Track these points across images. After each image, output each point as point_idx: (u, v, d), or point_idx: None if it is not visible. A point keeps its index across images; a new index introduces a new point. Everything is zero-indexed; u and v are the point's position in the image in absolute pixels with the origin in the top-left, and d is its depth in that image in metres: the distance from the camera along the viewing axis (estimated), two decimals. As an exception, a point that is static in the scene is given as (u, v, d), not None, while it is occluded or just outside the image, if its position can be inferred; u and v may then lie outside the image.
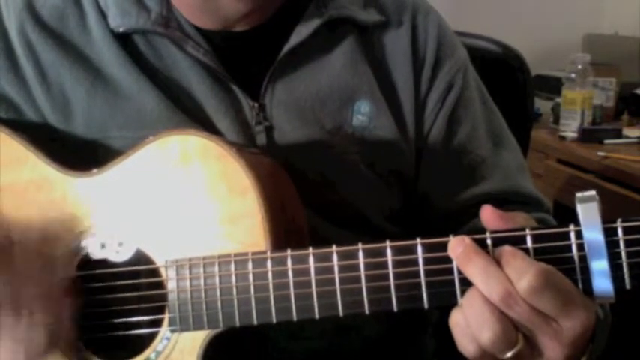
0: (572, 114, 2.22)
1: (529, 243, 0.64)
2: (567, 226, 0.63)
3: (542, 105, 2.46)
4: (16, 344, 0.71)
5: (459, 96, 0.94)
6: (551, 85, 2.44)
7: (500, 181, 0.94)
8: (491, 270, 0.63)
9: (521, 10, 2.80)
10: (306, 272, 0.69)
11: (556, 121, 2.32)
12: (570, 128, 2.22)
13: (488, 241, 0.64)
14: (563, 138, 2.24)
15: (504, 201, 0.91)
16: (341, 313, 0.68)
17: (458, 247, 0.64)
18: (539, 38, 2.67)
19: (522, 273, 0.61)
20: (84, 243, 0.78)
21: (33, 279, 0.74)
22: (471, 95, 0.96)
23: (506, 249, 0.64)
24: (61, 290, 0.76)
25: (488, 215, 0.67)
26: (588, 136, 2.18)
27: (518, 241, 0.64)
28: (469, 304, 0.63)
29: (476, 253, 0.63)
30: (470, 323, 0.63)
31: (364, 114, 0.90)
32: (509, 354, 0.63)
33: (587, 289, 0.63)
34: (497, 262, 0.63)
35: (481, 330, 0.62)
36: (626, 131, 2.22)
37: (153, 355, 0.75)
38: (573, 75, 2.22)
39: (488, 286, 0.62)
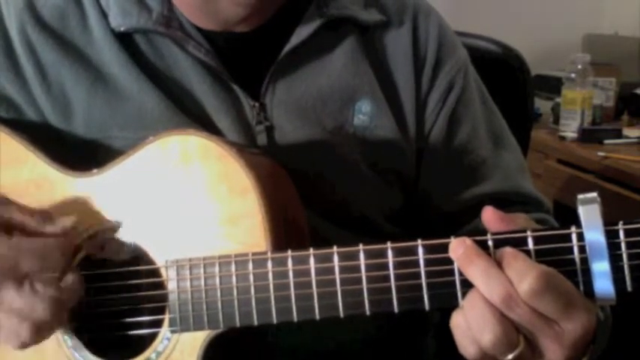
0: (572, 114, 2.22)
1: (530, 245, 0.63)
2: (569, 228, 0.63)
3: (542, 105, 2.46)
4: (19, 318, 0.70)
5: (459, 96, 0.94)
6: (551, 85, 2.44)
7: (500, 181, 0.94)
8: (492, 272, 0.62)
9: (521, 10, 2.80)
10: (307, 273, 0.69)
11: (556, 121, 2.32)
12: (570, 128, 2.22)
13: (490, 243, 0.64)
14: (563, 138, 2.24)
15: (505, 201, 0.91)
16: (341, 314, 0.68)
17: (459, 248, 0.64)
18: (539, 38, 2.67)
19: (523, 275, 0.61)
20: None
21: (32, 250, 0.72)
22: (472, 95, 0.96)
23: (508, 251, 0.63)
24: (61, 262, 0.74)
25: (490, 216, 0.67)
26: (588, 136, 2.18)
27: (519, 243, 0.64)
28: (470, 306, 0.63)
29: (477, 255, 0.63)
30: (471, 325, 0.63)
31: (365, 114, 0.90)
32: (510, 356, 0.62)
33: (589, 291, 0.63)
34: (499, 264, 0.63)
35: (482, 332, 0.62)
36: (626, 131, 2.22)
37: (153, 356, 0.75)
38: (573, 75, 2.22)
39: (489, 287, 0.62)
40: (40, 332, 0.71)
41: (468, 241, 0.64)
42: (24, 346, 0.71)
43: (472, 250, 0.64)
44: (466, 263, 0.64)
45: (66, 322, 0.76)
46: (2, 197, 0.77)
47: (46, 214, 0.75)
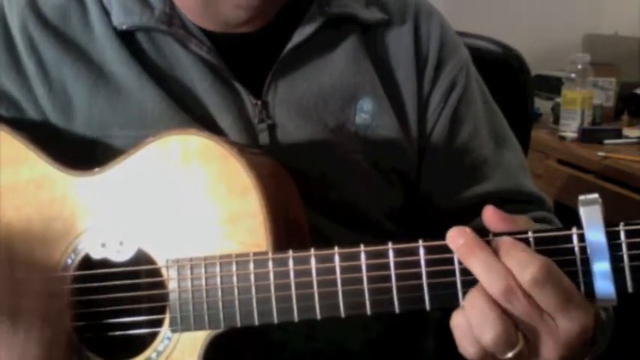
0: (572, 114, 2.22)
1: (532, 245, 0.63)
2: (570, 229, 0.63)
3: (542, 105, 2.46)
4: (10, 355, 0.71)
5: (461, 95, 0.95)
6: (551, 85, 2.44)
7: (502, 180, 0.94)
8: (492, 262, 0.62)
9: (521, 10, 2.80)
10: (308, 273, 0.69)
11: (556, 121, 2.32)
12: (570, 128, 2.22)
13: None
14: (563, 138, 2.24)
15: (506, 200, 0.91)
16: (342, 315, 0.68)
17: (459, 238, 0.64)
18: (539, 38, 2.67)
19: (525, 265, 0.61)
20: (84, 242, 0.78)
21: (32, 292, 0.73)
22: (473, 95, 0.97)
23: (506, 240, 0.63)
24: (58, 306, 0.76)
25: (491, 216, 0.67)
26: (588, 136, 2.18)
27: (520, 244, 0.64)
28: (471, 305, 0.63)
29: (477, 246, 0.63)
30: (472, 324, 0.63)
31: (367, 112, 0.90)
32: (509, 354, 0.62)
33: (590, 291, 0.63)
34: (496, 253, 0.63)
35: (483, 330, 0.62)
36: (626, 131, 2.22)
37: (154, 355, 0.75)
38: (573, 75, 2.22)
39: (489, 278, 0.62)
40: None
41: (468, 230, 0.64)
42: None
43: (473, 241, 0.63)
44: (466, 254, 0.63)
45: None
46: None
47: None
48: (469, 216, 0.88)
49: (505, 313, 0.62)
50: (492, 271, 0.62)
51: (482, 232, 0.65)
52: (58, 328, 0.75)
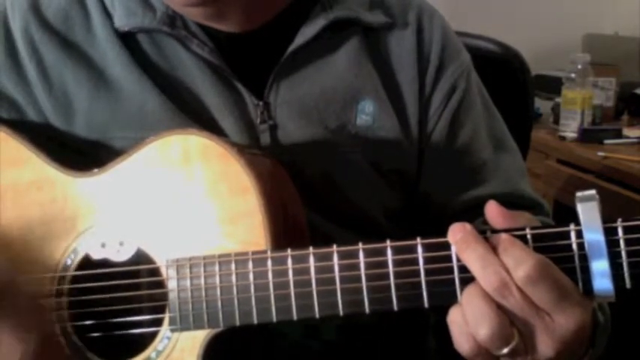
0: (572, 114, 2.22)
1: (529, 242, 0.64)
2: (568, 226, 0.64)
3: (542, 105, 2.47)
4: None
5: (461, 98, 0.95)
6: (551, 85, 2.44)
7: (501, 184, 0.94)
8: (488, 257, 0.63)
9: (521, 10, 2.80)
10: (307, 271, 0.69)
11: (556, 121, 2.32)
12: (570, 128, 2.22)
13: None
14: (563, 138, 2.24)
15: (505, 204, 0.91)
16: (341, 313, 0.68)
17: (458, 232, 0.64)
18: (539, 38, 2.67)
19: (520, 262, 0.62)
20: (84, 243, 0.78)
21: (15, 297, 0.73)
22: (474, 98, 0.97)
23: (504, 237, 0.64)
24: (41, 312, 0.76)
25: (493, 211, 0.67)
26: (588, 136, 2.18)
27: (518, 240, 0.64)
28: (467, 301, 0.63)
29: (475, 240, 0.64)
30: (468, 320, 0.63)
31: (368, 114, 0.90)
32: (505, 350, 0.62)
33: (588, 288, 0.63)
34: (494, 249, 0.63)
35: (478, 326, 0.62)
36: (626, 131, 2.22)
37: (153, 355, 0.75)
38: (573, 75, 2.22)
39: (484, 273, 0.62)
40: None
41: (467, 226, 0.64)
42: None
43: (471, 235, 0.64)
44: (463, 247, 0.64)
45: None
46: None
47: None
48: (467, 218, 0.88)
49: (500, 309, 0.62)
50: (487, 266, 0.62)
51: (481, 232, 0.65)
52: (44, 333, 0.74)
